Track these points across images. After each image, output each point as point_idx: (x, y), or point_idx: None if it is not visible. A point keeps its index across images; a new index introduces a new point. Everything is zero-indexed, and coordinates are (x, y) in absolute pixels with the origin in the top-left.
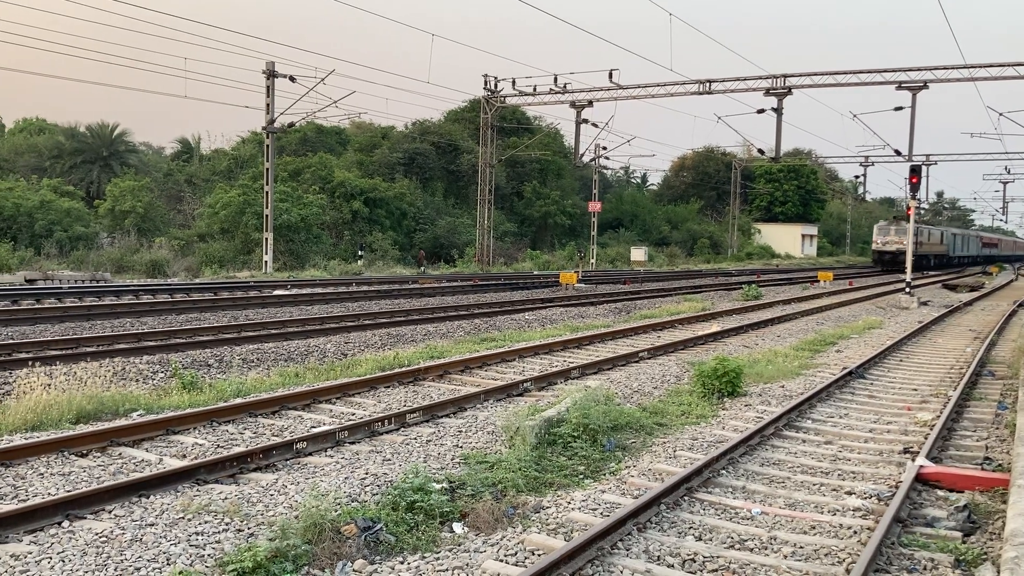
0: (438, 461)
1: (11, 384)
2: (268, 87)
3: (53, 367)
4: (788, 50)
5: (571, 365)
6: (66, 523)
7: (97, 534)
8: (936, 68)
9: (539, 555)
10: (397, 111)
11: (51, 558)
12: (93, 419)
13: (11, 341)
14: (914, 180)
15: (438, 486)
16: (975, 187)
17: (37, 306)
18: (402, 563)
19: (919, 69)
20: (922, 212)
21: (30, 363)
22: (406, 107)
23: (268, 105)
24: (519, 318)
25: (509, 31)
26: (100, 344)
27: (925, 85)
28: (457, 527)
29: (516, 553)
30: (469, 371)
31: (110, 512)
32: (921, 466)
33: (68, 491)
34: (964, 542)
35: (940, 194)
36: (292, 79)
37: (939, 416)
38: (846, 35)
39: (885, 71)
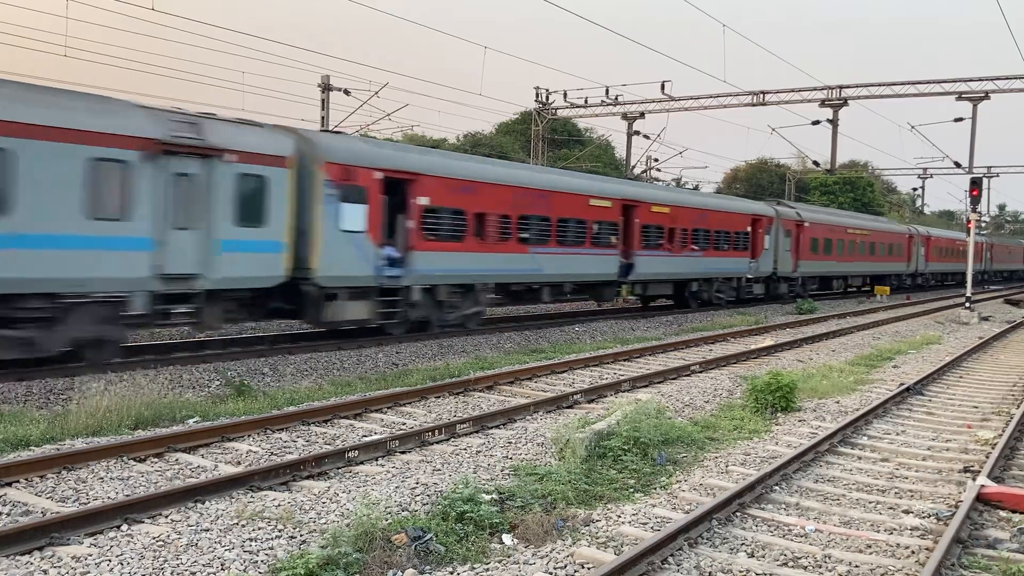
0: (488, 472)
1: (73, 390)
2: (323, 100)
3: (115, 374)
4: (843, 60)
5: (621, 378)
6: (124, 526)
7: (154, 538)
8: (998, 78)
9: (589, 569)
10: (449, 123)
11: (110, 560)
12: (151, 425)
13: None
14: (975, 193)
15: (488, 497)
16: None
17: None
18: (452, 573)
19: (980, 79)
20: (983, 225)
21: (92, 371)
22: (458, 119)
23: (323, 118)
24: (569, 330)
25: (561, 43)
26: (159, 352)
27: (986, 95)
28: (507, 539)
29: (566, 566)
30: (519, 382)
31: (167, 517)
32: (982, 486)
33: (127, 495)
34: None
35: (1002, 207)
36: (347, 92)
37: (1001, 434)
38: (903, 45)
39: (944, 81)
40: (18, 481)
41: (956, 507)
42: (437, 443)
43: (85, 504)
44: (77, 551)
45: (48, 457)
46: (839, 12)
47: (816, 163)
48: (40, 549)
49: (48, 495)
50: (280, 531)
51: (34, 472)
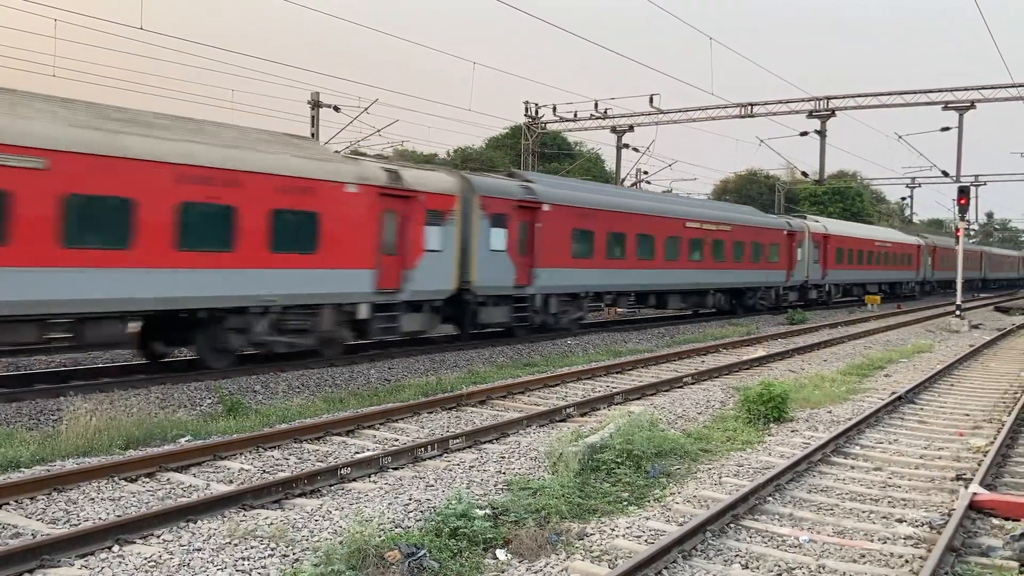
0: (481, 487)
1: (63, 410)
2: (313, 117)
3: (105, 394)
4: (830, 71)
5: (614, 390)
6: (116, 547)
7: (146, 558)
8: (983, 87)
9: None
10: (439, 139)
11: None
12: (142, 444)
13: (65, 368)
14: (963, 201)
15: (481, 512)
16: None
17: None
18: None
19: (966, 89)
20: (971, 233)
21: (83, 391)
22: (448, 134)
23: (313, 135)
24: (561, 343)
25: (550, 58)
26: (151, 371)
27: (972, 105)
28: (500, 553)
29: None
30: (511, 396)
31: (159, 537)
32: (975, 493)
33: (118, 516)
34: (1021, 572)
35: (990, 215)
36: (337, 109)
37: (993, 442)
38: (889, 55)
39: (931, 91)
40: (8, 503)
41: (949, 515)
42: (430, 459)
43: (76, 525)
44: (68, 573)
45: (38, 478)
46: (827, 22)
47: (805, 174)
48: (31, 572)
49: (39, 516)
50: (273, 549)
51: (24, 493)
